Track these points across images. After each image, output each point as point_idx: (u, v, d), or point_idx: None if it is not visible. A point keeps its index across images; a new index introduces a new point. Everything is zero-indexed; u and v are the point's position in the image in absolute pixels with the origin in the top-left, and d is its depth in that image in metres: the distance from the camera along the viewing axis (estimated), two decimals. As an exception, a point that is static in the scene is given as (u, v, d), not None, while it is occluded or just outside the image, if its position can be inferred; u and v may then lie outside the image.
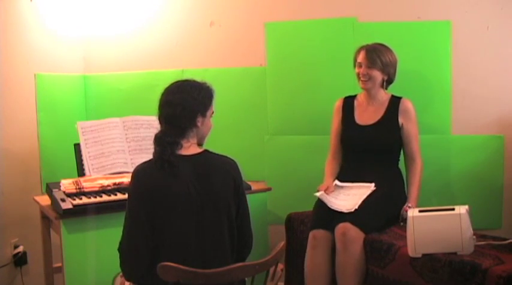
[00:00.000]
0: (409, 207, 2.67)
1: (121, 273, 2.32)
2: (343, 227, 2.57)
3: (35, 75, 3.13)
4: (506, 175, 3.09)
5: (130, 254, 2.04)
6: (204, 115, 2.11)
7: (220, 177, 2.11)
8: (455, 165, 3.14)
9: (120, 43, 3.52)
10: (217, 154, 2.16)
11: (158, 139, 2.07)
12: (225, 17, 3.41)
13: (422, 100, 3.14)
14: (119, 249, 2.08)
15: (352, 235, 2.56)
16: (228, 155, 2.18)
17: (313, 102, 3.21)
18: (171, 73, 3.36)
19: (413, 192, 2.83)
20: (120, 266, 2.08)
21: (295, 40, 3.32)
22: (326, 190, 2.79)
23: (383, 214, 2.71)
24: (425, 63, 3.15)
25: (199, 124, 2.10)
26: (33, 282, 3.11)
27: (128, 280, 2.12)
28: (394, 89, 2.96)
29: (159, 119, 2.12)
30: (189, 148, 2.11)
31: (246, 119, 3.41)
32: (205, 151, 2.14)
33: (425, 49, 3.14)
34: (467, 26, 3.09)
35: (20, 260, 3.01)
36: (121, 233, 2.09)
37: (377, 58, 2.81)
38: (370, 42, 2.89)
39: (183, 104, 2.06)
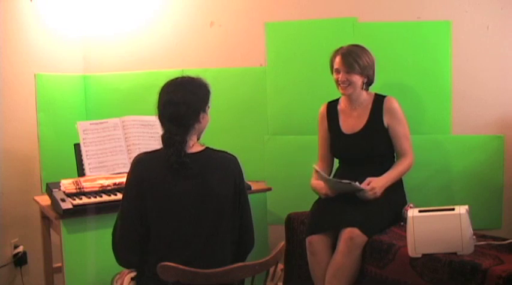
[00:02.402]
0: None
1: (119, 275, 2.33)
2: (350, 231, 2.56)
3: (35, 75, 3.13)
4: (506, 175, 3.09)
5: (121, 243, 2.09)
6: (205, 111, 2.12)
7: (220, 175, 2.11)
8: (455, 165, 3.14)
9: (120, 43, 3.52)
10: (218, 151, 2.16)
11: (168, 140, 2.05)
12: (225, 17, 3.41)
13: (422, 100, 3.15)
14: (112, 235, 2.12)
15: (359, 241, 2.55)
16: (229, 151, 2.18)
17: (313, 102, 3.20)
18: (171, 73, 3.32)
19: (386, 176, 2.72)
20: (113, 251, 2.12)
21: (295, 40, 3.32)
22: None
23: (385, 217, 2.71)
24: (425, 63, 3.15)
25: (201, 120, 2.11)
26: (33, 282, 3.11)
27: (121, 265, 2.14)
28: (393, 89, 2.96)
29: (160, 118, 2.11)
30: (192, 146, 2.11)
31: (246, 119, 3.41)
32: (207, 148, 2.14)
33: (425, 49, 3.14)
34: (467, 26, 3.09)
35: (20, 260, 3.01)
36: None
37: (354, 63, 2.72)
38: (369, 42, 2.88)
39: (187, 102, 2.06)
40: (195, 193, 2.06)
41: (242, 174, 2.17)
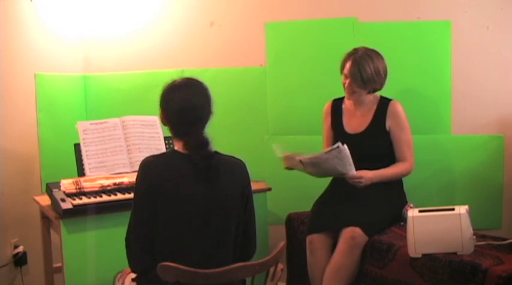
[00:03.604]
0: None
1: (120, 273, 2.32)
2: (352, 231, 2.56)
3: (35, 75, 3.13)
4: (506, 175, 3.08)
5: (136, 246, 2.04)
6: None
7: (229, 179, 2.09)
8: (455, 165, 3.14)
9: (120, 43, 3.52)
10: (227, 156, 2.14)
11: (204, 144, 2.04)
12: (225, 17, 3.41)
13: (422, 100, 3.15)
14: (126, 240, 2.08)
15: (359, 241, 2.55)
16: (236, 156, 2.17)
17: (313, 102, 3.21)
18: (171, 74, 3.34)
19: (379, 171, 2.70)
20: (127, 256, 2.08)
21: (295, 40, 3.32)
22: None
23: (386, 217, 2.71)
24: (425, 63, 3.15)
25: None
26: (33, 282, 3.10)
27: (134, 272, 2.11)
28: (393, 90, 2.95)
29: (181, 122, 2.07)
30: None
31: (246, 119, 3.41)
32: (216, 152, 2.11)
33: (425, 49, 3.14)
34: (467, 26, 3.09)
35: (20, 260, 3.01)
36: (121, 232, 2.09)
37: (359, 78, 2.71)
38: (369, 42, 2.87)
39: (208, 107, 2.09)
40: (206, 197, 2.05)
41: (249, 178, 2.16)
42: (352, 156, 2.79)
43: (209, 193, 2.05)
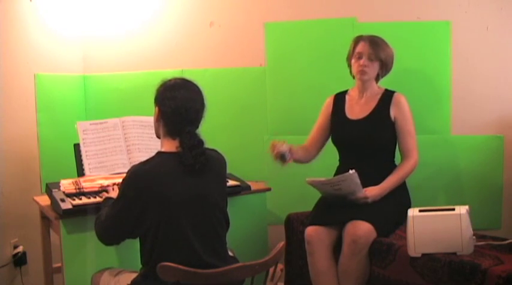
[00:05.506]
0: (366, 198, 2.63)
1: (99, 273, 2.34)
2: (354, 228, 2.52)
3: (34, 75, 3.13)
4: (506, 175, 3.09)
5: (107, 238, 2.17)
6: None
7: (215, 173, 2.15)
8: (455, 165, 3.14)
9: (120, 43, 3.52)
10: (211, 150, 2.18)
11: (199, 143, 2.08)
12: (225, 17, 3.41)
13: (422, 100, 3.15)
14: (96, 224, 2.19)
15: (364, 241, 2.52)
16: (217, 149, 2.22)
17: (313, 102, 3.20)
18: (170, 74, 3.33)
19: (384, 182, 2.69)
20: (97, 235, 2.19)
21: (295, 40, 3.32)
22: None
23: (393, 216, 2.67)
24: (425, 63, 3.15)
25: None
26: (33, 282, 3.10)
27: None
28: (393, 89, 2.96)
29: (180, 122, 2.09)
30: None
31: (246, 119, 3.41)
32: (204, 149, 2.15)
33: (425, 49, 3.15)
34: (467, 26, 3.10)
35: (19, 260, 3.01)
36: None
37: (380, 52, 2.75)
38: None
39: (203, 109, 2.15)
40: (197, 192, 2.08)
41: (226, 171, 2.27)
42: (352, 144, 2.78)
43: (200, 188, 2.08)
